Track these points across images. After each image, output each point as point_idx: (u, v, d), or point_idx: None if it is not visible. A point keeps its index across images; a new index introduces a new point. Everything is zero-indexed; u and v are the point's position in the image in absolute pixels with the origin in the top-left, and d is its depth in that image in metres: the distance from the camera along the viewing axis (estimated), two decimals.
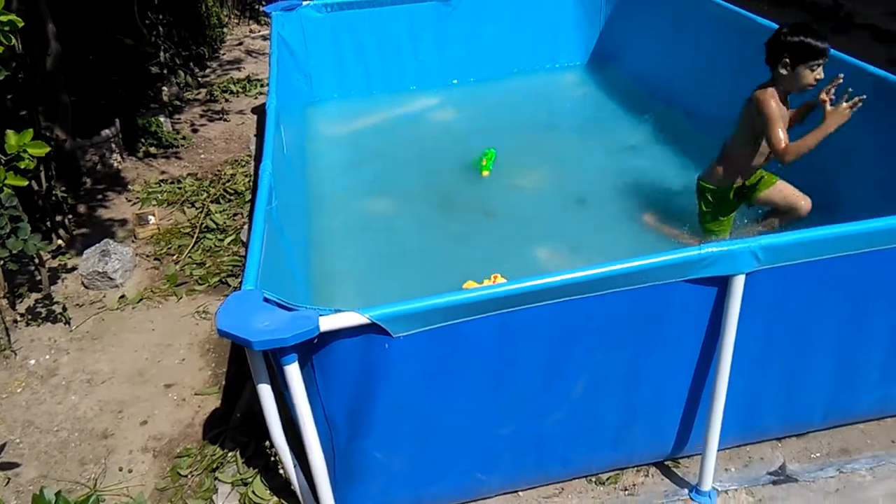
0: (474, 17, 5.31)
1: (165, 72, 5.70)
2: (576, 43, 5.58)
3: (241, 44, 7.06)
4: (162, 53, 5.63)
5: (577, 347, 2.08)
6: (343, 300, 3.19)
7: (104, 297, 3.54)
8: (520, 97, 5.23)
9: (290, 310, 1.92)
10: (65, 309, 3.35)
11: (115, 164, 4.67)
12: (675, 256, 1.95)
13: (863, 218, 2.09)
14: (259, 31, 7.25)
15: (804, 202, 3.24)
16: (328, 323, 1.84)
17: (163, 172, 4.68)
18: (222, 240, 3.92)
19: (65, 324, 3.33)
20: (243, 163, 4.73)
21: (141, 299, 3.50)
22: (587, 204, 3.88)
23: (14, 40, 3.06)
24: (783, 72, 2.96)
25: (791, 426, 2.48)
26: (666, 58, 4.84)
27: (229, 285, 3.53)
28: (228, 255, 3.78)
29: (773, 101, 2.95)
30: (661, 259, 1.94)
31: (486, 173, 4.21)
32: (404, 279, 3.30)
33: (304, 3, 5.11)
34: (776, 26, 3.68)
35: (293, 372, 1.88)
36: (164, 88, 5.62)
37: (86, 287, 3.61)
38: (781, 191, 3.26)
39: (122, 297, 3.53)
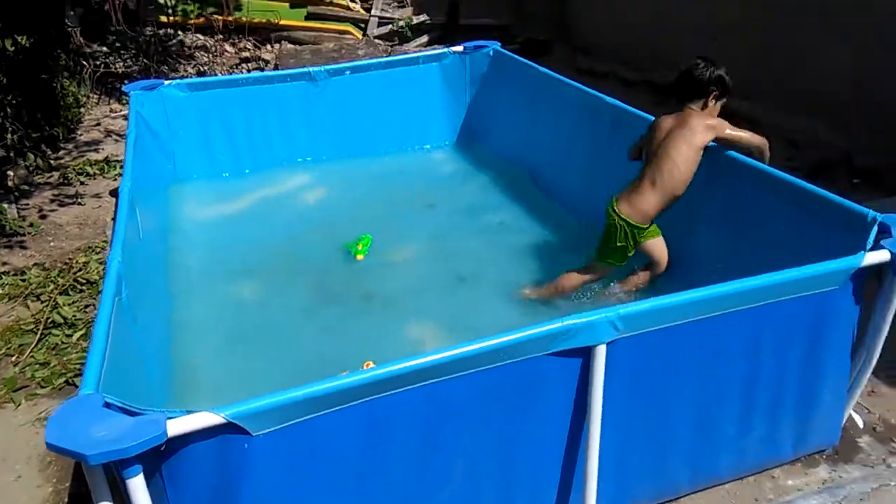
0: (343, 97, 5.36)
1: (12, 154, 5.31)
2: (444, 122, 5.75)
3: (99, 124, 6.74)
4: (9, 135, 5.25)
5: (449, 430, 2.03)
6: (207, 396, 2.98)
7: None
8: (391, 176, 5.27)
9: (134, 414, 1.75)
10: None
11: None
12: (536, 331, 1.97)
13: (707, 283, 2.22)
14: (120, 111, 6.97)
15: (666, 260, 3.42)
16: (177, 426, 1.70)
17: (4, 264, 4.28)
18: (70, 335, 3.60)
19: None
20: (98, 249, 4.43)
21: None
22: (464, 281, 3.88)
23: None
24: (711, 103, 3.19)
25: (662, 492, 2.53)
26: (528, 136, 5.09)
27: (76, 386, 3.21)
28: (77, 353, 3.46)
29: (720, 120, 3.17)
30: (523, 334, 1.96)
31: (360, 257, 4.15)
32: (274, 371, 3.13)
33: (167, 82, 4.97)
34: (625, 106, 3.99)
35: (138, 486, 1.71)
36: (10, 172, 5.22)
37: None
38: (661, 241, 3.42)
39: None
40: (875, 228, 2.46)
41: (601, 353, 2.08)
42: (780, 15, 5.63)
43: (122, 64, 7.57)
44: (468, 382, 1.95)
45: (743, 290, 2.22)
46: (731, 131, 3.14)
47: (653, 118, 3.72)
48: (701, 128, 3.12)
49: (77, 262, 4.25)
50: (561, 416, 2.18)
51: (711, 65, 3.18)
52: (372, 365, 2.95)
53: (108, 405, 1.80)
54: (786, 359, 2.42)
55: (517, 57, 5.33)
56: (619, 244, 3.29)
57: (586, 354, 2.09)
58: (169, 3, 8.05)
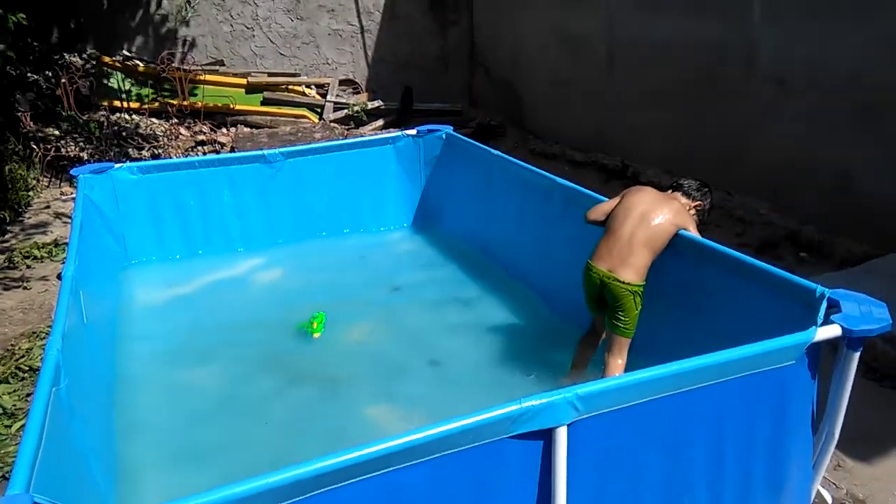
0: (299, 179, 5.39)
1: None
2: (399, 203, 5.82)
3: (48, 207, 6.61)
4: None
5: None
6: (153, 492, 2.80)
7: None
8: (348, 257, 5.25)
9: None
10: None
11: None
12: (494, 413, 1.93)
13: (667, 360, 2.23)
14: (71, 194, 6.84)
15: None
16: None
17: None
18: (9, 426, 3.40)
19: None
20: (42, 335, 4.24)
21: None
22: (423, 362, 3.82)
23: None
24: (692, 212, 3.45)
25: None
26: (482, 216, 5.17)
27: None
28: (16, 444, 3.24)
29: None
30: (481, 417, 1.91)
31: (317, 335, 4.07)
32: (223, 464, 2.97)
33: (117, 165, 4.93)
34: (575, 186, 4.11)
35: None
36: None
37: None
38: None
39: None
40: (824, 303, 2.52)
41: (562, 434, 2.04)
42: (723, 95, 5.96)
43: (74, 147, 7.50)
44: (427, 469, 1.87)
45: (702, 367, 2.22)
46: (693, 231, 3.34)
47: (602, 197, 3.84)
48: (684, 213, 3.36)
49: (20, 348, 4.06)
50: (524, 500, 2.11)
51: (710, 194, 3.56)
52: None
53: None
54: (750, 436, 2.41)
55: (469, 140, 5.49)
56: (637, 304, 3.24)
57: (548, 437, 2.04)
58: (123, 88, 8.09)
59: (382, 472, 1.81)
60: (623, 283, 3.20)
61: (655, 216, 3.27)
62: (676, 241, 3.30)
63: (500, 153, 4.97)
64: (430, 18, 9.60)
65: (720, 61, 5.87)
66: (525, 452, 2.04)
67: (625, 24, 6.91)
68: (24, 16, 4.74)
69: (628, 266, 3.21)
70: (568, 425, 2.04)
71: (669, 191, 3.53)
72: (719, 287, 3.16)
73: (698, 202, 3.50)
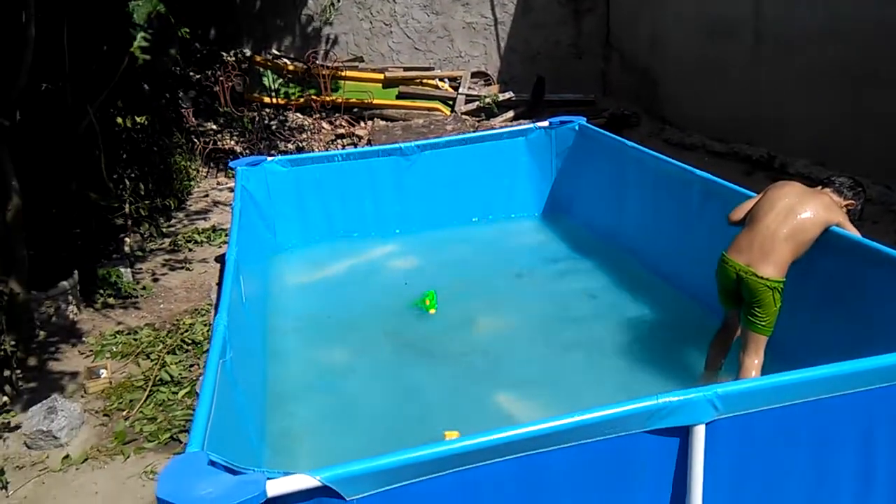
0: (432, 170, 5.56)
1: (130, 223, 5.76)
2: (530, 194, 5.85)
3: (207, 195, 7.23)
4: (127, 206, 5.72)
5: (543, 503, 2.00)
6: (300, 457, 3.05)
7: (47, 457, 3.34)
8: (478, 246, 5.37)
9: (236, 473, 1.83)
10: (2, 472, 3.14)
11: (71, 316, 4.57)
12: (631, 407, 1.94)
13: (805, 365, 2.13)
14: (226, 184, 7.45)
15: None
16: (276, 487, 1.76)
17: (119, 323, 4.59)
18: (176, 393, 3.79)
19: (1, 489, 3.10)
20: (203, 312, 4.68)
21: (86, 459, 3.31)
22: (550, 351, 3.87)
23: None
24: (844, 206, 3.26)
25: None
26: (614, 207, 5.09)
27: (181, 442, 3.36)
28: (182, 410, 3.63)
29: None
30: (618, 410, 1.93)
31: (433, 311, 4.30)
32: (364, 434, 3.19)
33: (269, 158, 5.32)
34: (714, 178, 3.97)
35: None
36: (127, 239, 5.65)
37: (28, 447, 3.41)
38: None
39: (67, 457, 3.33)
40: None
41: (700, 433, 2.01)
42: (888, 81, 5.48)
43: (229, 140, 8.15)
44: (563, 456, 1.92)
45: (851, 372, 2.12)
46: (846, 224, 3.15)
47: (744, 190, 3.68)
48: (835, 208, 3.16)
49: (184, 323, 4.51)
50: (659, 497, 2.10)
51: (863, 194, 3.34)
52: (456, 435, 2.97)
53: (212, 463, 1.89)
54: None
55: (603, 131, 5.41)
56: (776, 300, 3.09)
57: (685, 434, 2.02)
58: (272, 85, 8.66)
59: (522, 454, 1.88)
60: (761, 278, 3.04)
61: (802, 210, 3.09)
62: (828, 238, 3.11)
63: (633, 144, 4.88)
64: (564, 7, 9.49)
65: (886, 44, 5.39)
66: (661, 448, 2.04)
67: (775, 6, 6.50)
68: (187, 30, 5.30)
69: (768, 261, 3.05)
70: (706, 424, 2.01)
71: (819, 187, 3.32)
72: (876, 288, 2.95)
73: (850, 202, 3.26)
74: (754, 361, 3.13)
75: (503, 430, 1.86)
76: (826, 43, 5.95)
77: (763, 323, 3.09)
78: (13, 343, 3.87)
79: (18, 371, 3.93)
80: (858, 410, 2.17)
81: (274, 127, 8.27)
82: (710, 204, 3.99)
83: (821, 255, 3.15)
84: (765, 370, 3.08)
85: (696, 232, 4.11)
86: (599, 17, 9.56)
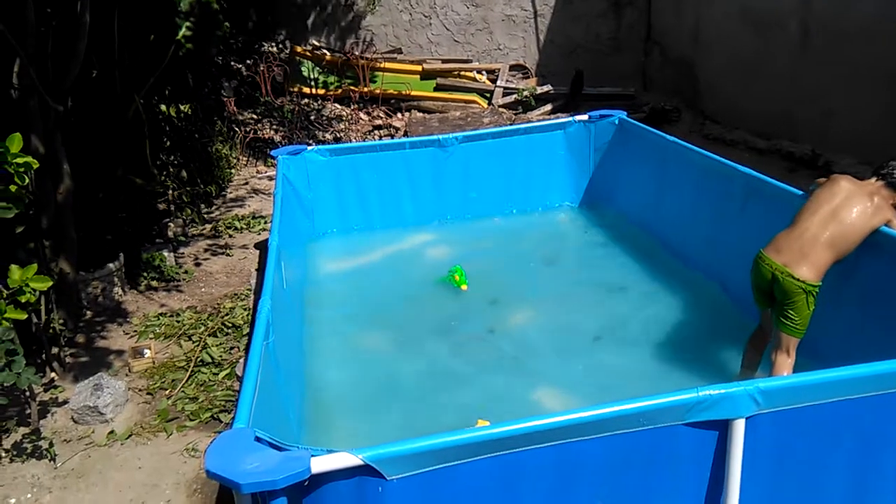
0: (470, 162, 5.58)
1: (173, 208, 5.90)
2: (567, 185, 5.84)
3: (247, 183, 7.35)
4: (170, 192, 5.85)
5: (579, 491, 2.02)
6: (335, 438, 3.11)
7: (93, 432, 3.46)
8: (514, 236, 5.39)
9: (281, 450, 1.88)
10: (51, 445, 3.26)
11: (117, 297, 4.71)
12: (670, 399, 1.95)
13: (842, 363, 2.11)
14: (265, 172, 7.57)
15: None
16: (320, 464, 1.81)
17: (162, 305, 4.72)
18: (217, 374, 3.88)
19: (50, 460, 3.23)
20: (243, 296, 4.78)
21: (130, 435, 3.42)
22: (585, 341, 3.88)
23: (27, 179, 3.22)
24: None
25: None
26: (653, 201, 5.05)
27: (221, 421, 3.46)
28: (222, 390, 3.73)
29: None
30: (657, 402, 1.94)
31: (465, 287, 4.41)
32: (400, 418, 3.25)
33: (309, 147, 5.39)
34: (756, 174, 3.91)
35: None
36: (171, 224, 5.79)
37: (75, 422, 3.54)
38: None
39: (112, 432, 3.44)
40: None
41: (739, 427, 2.01)
42: None
43: (269, 129, 8.27)
44: (600, 445, 1.94)
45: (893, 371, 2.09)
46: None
47: (788, 187, 3.63)
48: (885, 209, 3.08)
49: (224, 307, 4.61)
50: (696, 490, 2.11)
51: None
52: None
53: (258, 439, 1.94)
54: None
55: (643, 125, 5.36)
56: (809, 304, 3.04)
57: (724, 428, 2.02)
58: (311, 76, 8.76)
59: (560, 442, 1.90)
60: (797, 279, 2.99)
61: (849, 213, 3.02)
62: (877, 239, 3.05)
63: (676, 139, 4.83)
64: (605, 0, 9.42)
65: None
66: (699, 441, 2.04)
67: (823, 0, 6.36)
68: (227, 24, 5.42)
69: (806, 262, 3.00)
70: (746, 418, 2.01)
71: (873, 178, 3.21)
72: None
73: None
74: (787, 361, 3.09)
75: (542, 417, 1.88)
76: (874, 38, 5.80)
77: (794, 325, 3.06)
78: (62, 321, 4.01)
79: (66, 348, 4.07)
80: None
81: (312, 117, 8.37)
82: (752, 201, 3.94)
83: (868, 257, 3.10)
84: (801, 369, 3.04)
85: (736, 229, 4.06)
86: (640, 10, 9.46)
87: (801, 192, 3.50)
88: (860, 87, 6.03)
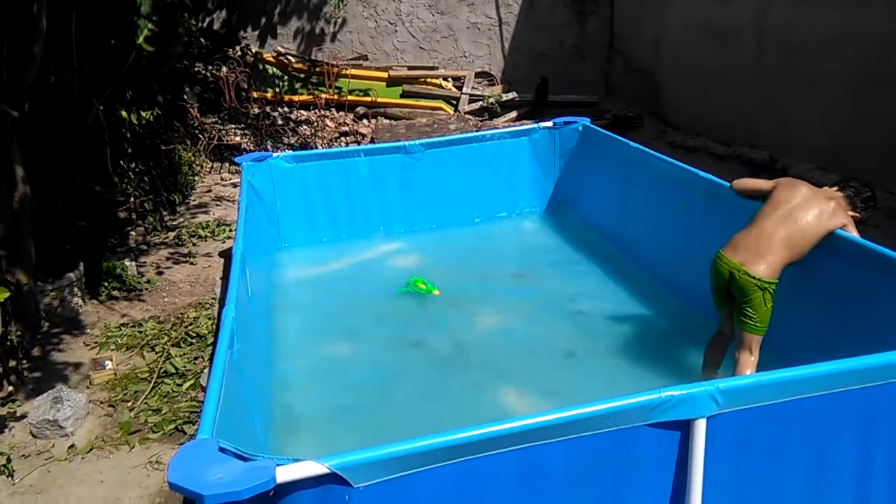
0: (436, 169, 5.59)
1: (134, 216, 5.79)
2: (533, 191, 5.89)
3: (210, 190, 7.26)
4: (132, 199, 5.74)
5: (545, 494, 2.03)
6: (303, 447, 3.09)
7: (53, 446, 3.38)
8: (480, 244, 5.41)
9: (245, 460, 1.86)
10: (9, 460, 3.17)
11: (76, 308, 4.61)
12: (633, 400, 1.98)
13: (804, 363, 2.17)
14: (230, 179, 7.48)
15: None
16: (285, 474, 1.79)
17: (124, 316, 4.63)
18: (181, 385, 3.82)
19: (8, 476, 3.14)
20: (207, 305, 4.71)
21: (91, 449, 3.34)
22: (551, 349, 3.90)
23: None
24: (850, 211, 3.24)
25: None
26: (617, 208, 5.13)
27: (185, 433, 3.40)
28: (186, 401, 3.67)
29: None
30: (620, 403, 1.97)
31: (436, 292, 4.45)
32: (368, 425, 3.23)
33: (274, 154, 5.35)
34: (719, 180, 4.00)
35: None
36: (132, 232, 5.69)
37: (34, 436, 3.44)
38: None
39: (72, 446, 3.36)
40: None
41: (701, 427, 2.05)
42: (891, 86, 5.52)
43: (233, 136, 8.18)
44: (564, 448, 1.96)
45: (853, 369, 2.15)
46: (852, 229, 3.17)
47: None
48: (839, 213, 3.15)
49: (188, 316, 4.54)
50: (661, 490, 2.14)
51: (873, 208, 3.32)
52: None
53: (222, 450, 1.92)
54: None
55: (606, 132, 5.44)
56: (766, 301, 3.11)
57: (686, 428, 2.06)
58: (276, 82, 8.70)
59: (522, 446, 1.91)
60: (753, 277, 3.07)
61: (805, 215, 3.11)
62: (832, 241, 3.14)
63: (638, 146, 4.91)
64: (568, 8, 9.54)
65: (889, 52, 5.43)
66: (662, 442, 2.07)
67: (779, 12, 6.54)
68: (193, 21, 5.32)
69: (762, 260, 3.08)
70: (707, 418, 2.05)
71: (834, 188, 3.31)
72: (879, 293, 2.99)
73: (857, 213, 3.26)
74: (750, 359, 3.17)
75: (506, 422, 1.89)
76: (828, 48, 5.99)
77: (755, 323, 3.13)
78: (19, 333, 3.91)
79: (24, 361, 3.97)
80: (857, 407, 2.21)
81: (280, 122, 8.31)
82: (714, 206, 4.02)
83: (823, 258, 3.19)
84: (763, 368, 3.12)
85: (697, 233, 4.14)
86: (603, 18, 9.61)
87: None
88: (815, 95, 6.21)
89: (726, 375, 3.30)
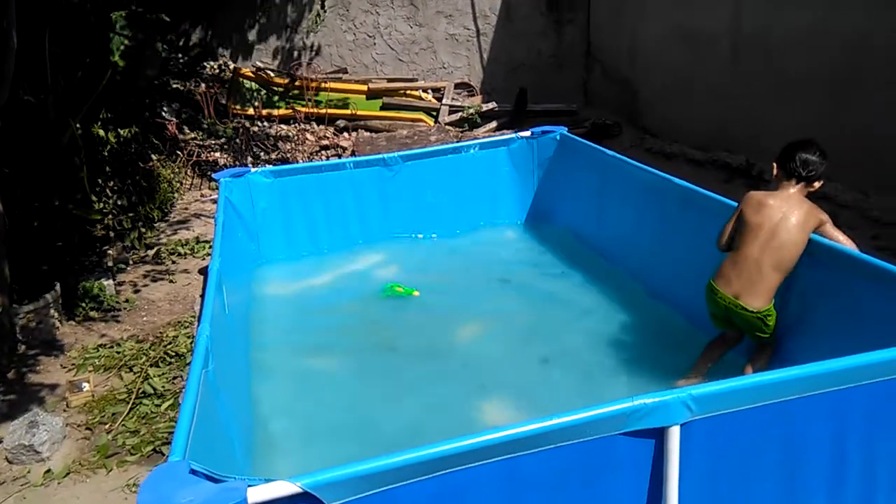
0: (416, 181, 5.60)
1: (112, 235, 5.74)
2: (512, 201, 5.91)
3: (187, 208, 7.21)
4: (109, 218, 5.70)
5: None
6: (285, 466, 3.06)
7: (28, 472, 3.32)
8: (460, 254, 5.41)
9: (217, 481, 1.84)
10: None
11: (53, 329, 4.55)
12: (606, 409, 1.98)
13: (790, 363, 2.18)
14: (210, 195, 7.43)
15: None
16: (257, 494, 1.78)
17: (102, 336, 4.58)
18: (159, 405, 3.78)
19: None
20: (186, 324, 4.67)
21: (68, 473, 3.29)
22: (531, 357, 3.90)
23: None
24: (814, 186, 3.24)
25: None
26: (595, 216, 5.15)
27: (163, 454, 3.36)
28: (165, 422, 3.63)
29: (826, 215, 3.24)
30: (594, 412, 1.97)
31: (416, 293, 4.53)
32: (348, 441, 3.21)
33: (253, 169, 5.33)
34: (694, 187, 4.03)
35: None
36: (110, 252, 5.64)
37: (9, 462, 3.39)
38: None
39: (48, 471, 3.31)
40: None
41: (675, 434, 2.05)
42: (863, 89, 5.60)
43: (213, 152, 8.15)
44: (541, 458, 1.95)
45: (824, 372, 2.17)
46: (832, 229, 3.19)
47: (722, 198, 3.74)
48: (813, 217, 3.17)
49: (167, 335, 4.50)
50: (636, 499, 2.14)
51: (823, 155, 3.25)
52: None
53: (193, 472, 1.90)
54: (876, 448, 2.31)
55: (583, 140, 5.48)
56: (769, 324, 3.21)
57: (660, 436, 2.06)
58: (255, 96, 8.69)
59: (501, 458, 1.90)
60: (751, 311, 3.16)
61: (787, 232, 3.11)
62: (811, 248, 3.18)
63: (614, 153, 4.95)
64: (545, 18, 9.62)
65: (862, 53, 5.51)
66: (637, 450, 2.08)
67: (753, 16, 6.63)
68: (166, 46, 5.30)
69: (756, 292, 3.13)
70: (681, 425, 2.05)
71: (793, 181, 3.24)
72: (855, 294, 3.02)
73: (815, 185, 3.25)
74: (767, 350, 3.35)
75: (481, 435, 1.89)
76: (801, 53, 6.07)
77: (766, 335, 3.27)
78: None
79: None
80: (830, 410, 2.22)
81: (258, 139, 8.29)
82: (689, 212, 4.05)
83: (803, 264, 3.22)
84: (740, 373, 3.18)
85: (675, 239, 4.18)
86: (580, 27, 9.69)
87: (734, 204, 3.54)
88: (788, 100, 6.29)
89: (712, 375, 3.36)
